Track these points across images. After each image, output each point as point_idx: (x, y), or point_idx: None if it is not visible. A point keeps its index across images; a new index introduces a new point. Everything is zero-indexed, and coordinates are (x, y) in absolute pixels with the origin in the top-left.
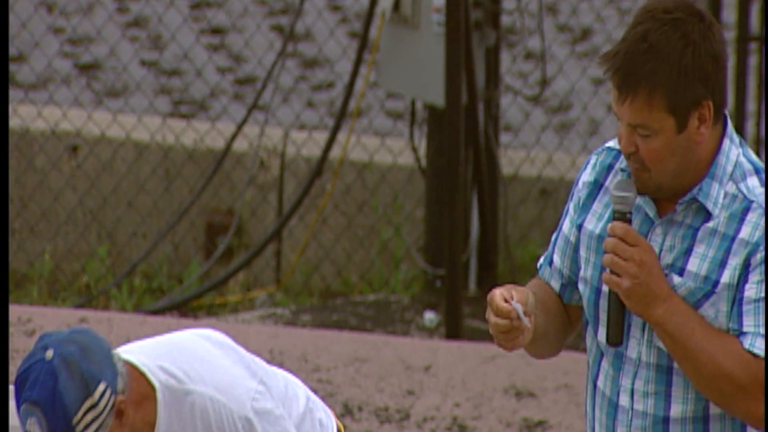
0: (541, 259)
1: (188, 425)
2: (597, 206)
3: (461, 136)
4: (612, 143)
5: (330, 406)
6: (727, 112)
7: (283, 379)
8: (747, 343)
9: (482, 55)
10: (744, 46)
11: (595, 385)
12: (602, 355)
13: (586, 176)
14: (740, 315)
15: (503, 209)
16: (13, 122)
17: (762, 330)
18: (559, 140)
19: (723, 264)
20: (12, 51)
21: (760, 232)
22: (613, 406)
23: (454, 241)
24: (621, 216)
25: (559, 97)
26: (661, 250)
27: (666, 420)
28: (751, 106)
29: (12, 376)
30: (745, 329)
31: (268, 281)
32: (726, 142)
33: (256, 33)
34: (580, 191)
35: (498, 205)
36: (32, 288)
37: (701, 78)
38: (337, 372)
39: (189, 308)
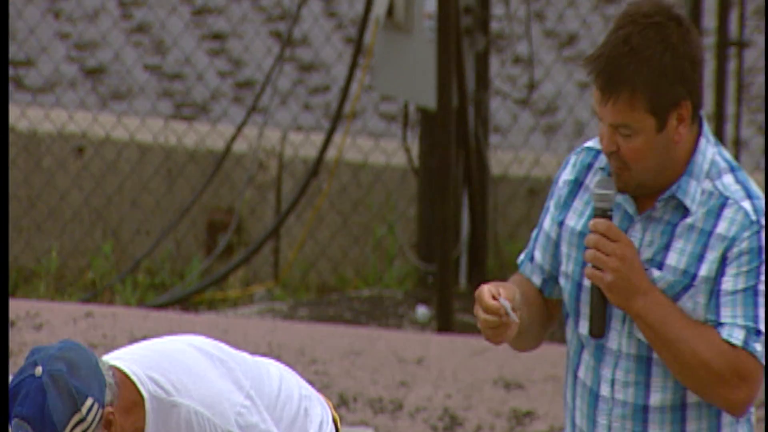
0: (522, 256)
1: None
2: (578, 204)
3: (452, 138)
4: (591, 143)
5: (326, 397)
6: (702, 113)
7: (278, 379)
8: (724, 333)
9: (472, 59)
10: (723, 51)
11: (575, 376)
12: (582, 347)
13: (567, 175)
14: (717, 306)
15: (492, 208)
16: (22, 124)
17: (739, 321)
18: (547, 141)
19: (701, 258)
20: (20, 56)
21: (736, 227)
22: (594, 396)
23: (445, 239)
24: (602, 213)
25: (546, 100)
26: (640, 246)
27: (645, 408)
28: (731, 108)
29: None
30: (722, 320)
31: (267, 277)
32: (702, 141)
33: (255, 38)
34: (560, 190)
35: (487, 204)
36: (40, 284)
37: (680, 79)
38: (333, 364)
39: (190, 303)
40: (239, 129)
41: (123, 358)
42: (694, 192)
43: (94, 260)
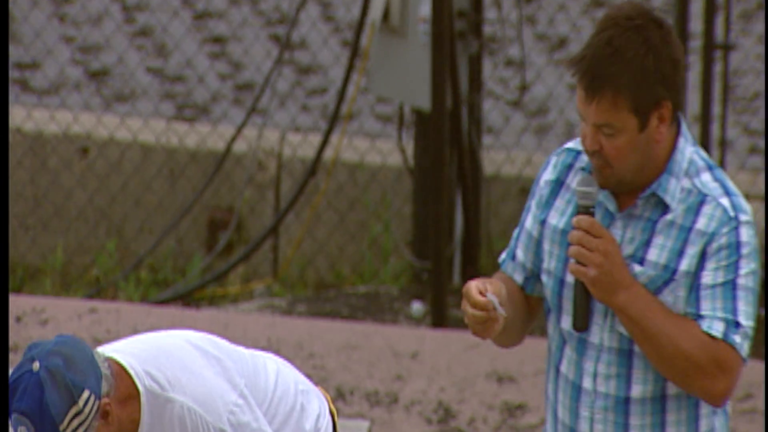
0: (503, 255)
1: (168, 429)
2: (559, 203)
3: (446, 138)
4: (571, 144)
5: (324, 391)
6: (680, 114)
7: (275, 374)
8: (705, 325)
9: (466, 62)
10: (709, 54)
11: (557, 371)
12: (564, 341)
13: (548, 175)
14: (698, 300)
15: (485, 207)
16: (28, 126)
17: (719, 314)
18: (538, 142)
19: (681, 253)
20: (26, 58)
21: (715, 223)
22: (577, 389)
23: (439, 236)
24: (585, 210)
25: (538, 102)
26: (622, 242)
27: (627, 400)
28: (717, 109)
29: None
30: (702, 313)
31: (266, 274)
32: (681, 140)
33: (254, 42)
34: (542, 189)
35: (480, 203)
36: (45, 280)
37: (661, 80)
38: (330, 358)
39: (192, 299)
40: (239, 130)
41: (121, 351)
42: (674, 189)
43: (98, 257)
